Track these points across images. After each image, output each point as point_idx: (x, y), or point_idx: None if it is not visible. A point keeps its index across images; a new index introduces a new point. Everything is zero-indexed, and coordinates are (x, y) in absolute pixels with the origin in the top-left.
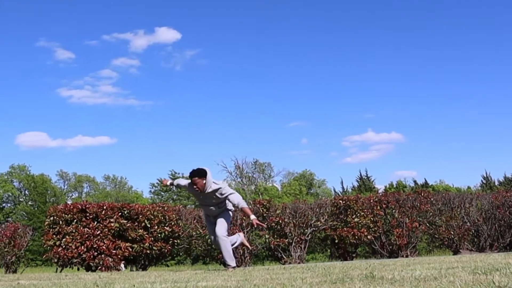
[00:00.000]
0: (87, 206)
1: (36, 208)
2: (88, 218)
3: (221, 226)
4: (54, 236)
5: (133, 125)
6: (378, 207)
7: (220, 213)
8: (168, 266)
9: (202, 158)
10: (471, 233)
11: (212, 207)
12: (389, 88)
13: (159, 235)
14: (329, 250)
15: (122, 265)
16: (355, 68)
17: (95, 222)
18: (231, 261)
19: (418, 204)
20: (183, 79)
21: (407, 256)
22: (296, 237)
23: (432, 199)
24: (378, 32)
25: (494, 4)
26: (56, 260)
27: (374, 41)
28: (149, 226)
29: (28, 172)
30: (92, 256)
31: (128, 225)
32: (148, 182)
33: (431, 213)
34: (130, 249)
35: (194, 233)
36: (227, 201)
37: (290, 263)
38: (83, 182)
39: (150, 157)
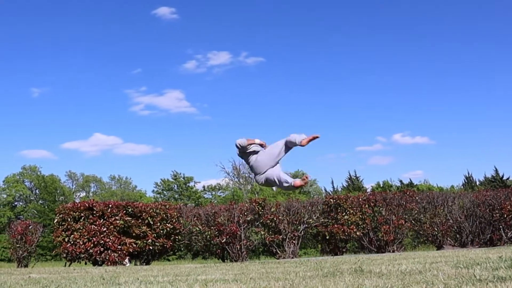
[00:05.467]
0: (94, 204)
1: (46, 207)
2: (94, 215)
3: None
4: (63, 232)
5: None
6: (367, 206)
7: None
8: (169, 260)
9: (199, 160)
10: (453, 229)
11: None
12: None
13: (161, 231)
14: (320, 246)
15: (127, 260)
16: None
17: (102, 220)
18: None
19: (404, 203)
20: None
21: (393, 251)
22: (289, 234)
23: (417, 198)
24: None
25: None
26: (65, 255)
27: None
28: (152, 223)
29: (38, 173)
30: (98, 252)
31: (132, 222)
32: (152, 181)
33: (416, 211)
34: (134, 245)
35: (194, 229)
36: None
37: (284, 257)
38: (90, 182)
39: (154, 159)
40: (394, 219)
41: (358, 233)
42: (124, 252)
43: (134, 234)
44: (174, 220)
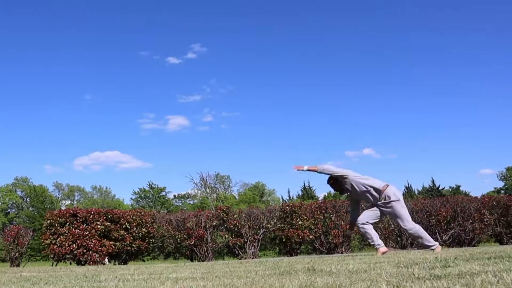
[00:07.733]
0: (77, 211)
1: (36, 213)
2: (78, 221)
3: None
4: (51, 236)
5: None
6: (318, 212)
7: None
8: (144, 261)
9: (173, 173)
10: (395, 233)
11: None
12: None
13: (137, 235)
14: (277, 248)
15: (106, 260)
16: None
17: (84, 224)
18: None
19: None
20: None
21: (342, 253)
22: (250, 237)
23: None
24: None
25: None
26: (52, 256)
27: None
28: (129, 227)
29: (29, 183)
30: (82, 253)
31: (111, 226)
32: (130, 190)
33: None
34: (113, 247)
35: (166, 233)
36: (371, 191)
37: (245, 258)
38: (74, 192)
39: (134, 171)
40: (342, 224)
41: (311, 237)
42: (104, 253)
43: (113, 237)
44: (148, 225)
